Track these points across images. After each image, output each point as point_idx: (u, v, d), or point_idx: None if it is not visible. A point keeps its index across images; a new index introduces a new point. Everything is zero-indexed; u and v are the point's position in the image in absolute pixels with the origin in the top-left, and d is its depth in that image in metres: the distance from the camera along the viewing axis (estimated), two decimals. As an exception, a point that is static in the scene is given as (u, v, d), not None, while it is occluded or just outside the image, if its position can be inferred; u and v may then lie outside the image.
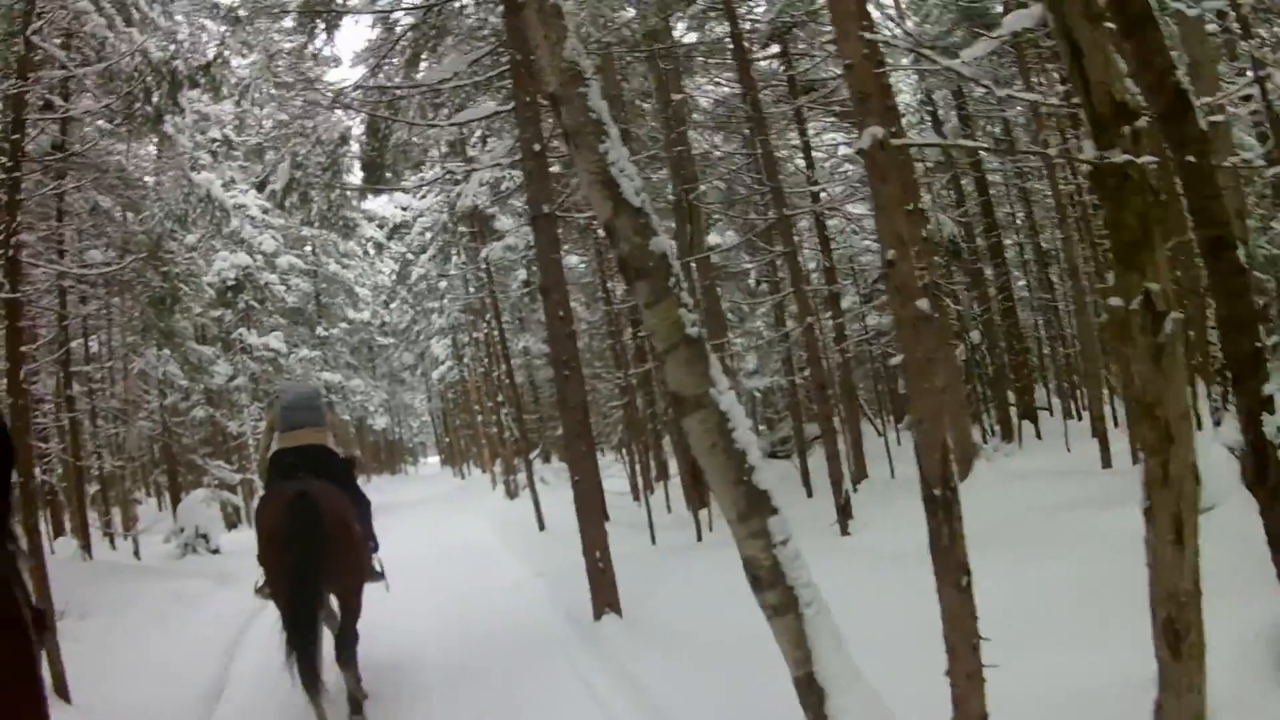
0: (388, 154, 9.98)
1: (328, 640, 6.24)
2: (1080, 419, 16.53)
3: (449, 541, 15.55)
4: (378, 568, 7.33)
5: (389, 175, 10.64)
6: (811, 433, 20.38)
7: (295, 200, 9.59)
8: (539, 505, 14.96)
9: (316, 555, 5.85)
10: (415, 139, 10.93)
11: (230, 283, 18.14)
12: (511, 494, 22.85)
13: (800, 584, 3.83)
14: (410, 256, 34.42)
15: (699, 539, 11.73)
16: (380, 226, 35.65)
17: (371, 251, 33.75)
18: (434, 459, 72.73)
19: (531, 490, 15.08)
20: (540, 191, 7.85)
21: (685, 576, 8.96)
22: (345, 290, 28.89)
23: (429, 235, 29.02)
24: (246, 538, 18.75)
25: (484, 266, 14.99)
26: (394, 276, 36.44)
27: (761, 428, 25.00)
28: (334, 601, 6.53)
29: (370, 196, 30.97)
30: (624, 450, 18.73)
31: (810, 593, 3.87)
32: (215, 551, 16.07)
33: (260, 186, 11.90)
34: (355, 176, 10.68)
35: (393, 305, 37.93)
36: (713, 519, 11.76)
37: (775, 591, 3.81)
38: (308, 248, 28.40)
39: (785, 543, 3.83)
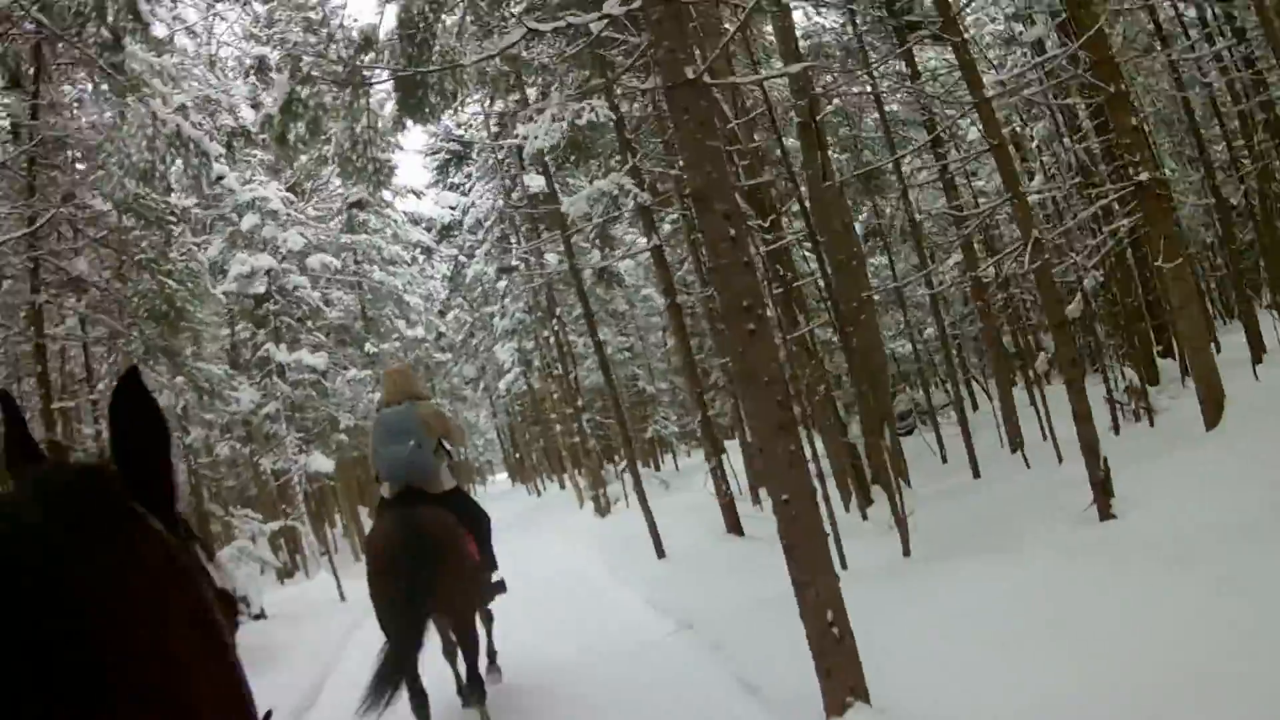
0: (429, 59, 7.04)
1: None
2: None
3: (543, 575, 12.57)
4: (499, 580, 7.28)
5: (433, 100, 7.66)
6: (936, 401, 17.39)
7: (302, 133, 6.68)
8: (655, 526, 11.86)
9: (424, 580, 5.70)
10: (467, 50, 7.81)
11: (252, 292, 15.31)
12: (602, 510, 19.84)
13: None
14: (463, 259, 31.68)
15: (906, 553, 8.43)
16: (428, 229, 32.92)
17: (420, 258, 30.90)
18: (502, 476, 71.75)
19: (644, 507, 11.99)
20: (675, 47, 4.81)
21: (937, 621, 5.85)
22: (394, 300, 26.02)
23: (481, 232, 26.19)
24: (300, 594, 16.10)
25: (563, 232, 12.12)
26: (446, 283, 33.70)
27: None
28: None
29: (404, 166, 28.35)
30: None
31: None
32: (259, 617, 13.26)
33: (258, 132, 8.94)
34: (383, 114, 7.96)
35: (448, 316, 35.19)
36: (905, 524, 8.55)
37: None
38: (346, 256, 25.69)
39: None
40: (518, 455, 46.37)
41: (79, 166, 10.73)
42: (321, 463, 14.39)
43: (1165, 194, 8.72)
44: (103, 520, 1.06)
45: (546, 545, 16.59)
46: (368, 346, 24.37)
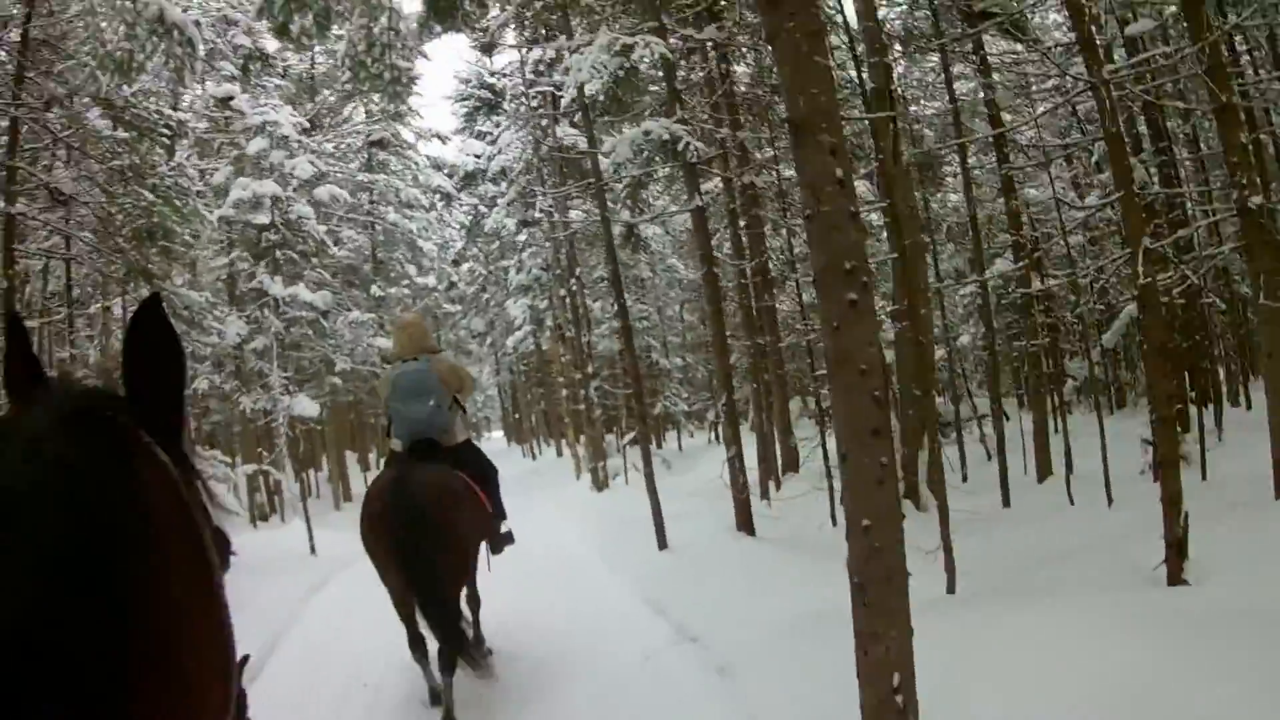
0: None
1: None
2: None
3: (533, 553, 11.49)
4: (506, 532, 7.40)
5: (468, 7, 6.62)
6: (963, 413, 16.40)
7: (309, 25, 5.66)
8: (660, 512, 10.83)
9: (411, 546, 5.71)
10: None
11: (253, 220, 14.16)
12: (600, 484, 18.89)
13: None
14: (483, 209, 30.64)
15: (950, 589, 7.35)
16: (449, 176, 31.86)
17: (439, 204, 29.84)
18: (498, 434, 71.24)
19: (650, 490, 10.90)
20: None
21: (1001, 685, 4.84)
22: (407, 244, 25.01)
23: (504, 183, 25.14)
24: (270, 541, 15.17)
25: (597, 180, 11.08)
26: (464, 233, 32.66)
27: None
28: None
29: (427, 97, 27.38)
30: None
31: None
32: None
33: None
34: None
35: (462, 267, 34.16)
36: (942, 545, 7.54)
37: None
38: (361, 195, 24.67)
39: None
40: (516, 416, 45.47)
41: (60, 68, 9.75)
42: (307, 406, 13.39)
43: (1271, 225, 7.69)
44: (113, 448, 1.06)
45: (539, 519, 15.57)
46: (374, 289, 23.37)
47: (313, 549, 14.03)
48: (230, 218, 13.94)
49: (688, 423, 24.25)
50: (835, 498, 10.99)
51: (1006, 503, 11.38)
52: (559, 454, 30.62)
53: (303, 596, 11.16)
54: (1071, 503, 10.49)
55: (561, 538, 13.44)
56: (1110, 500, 9.82)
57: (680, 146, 9.49)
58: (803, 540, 10.43)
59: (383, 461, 7.05)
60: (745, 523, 10.69)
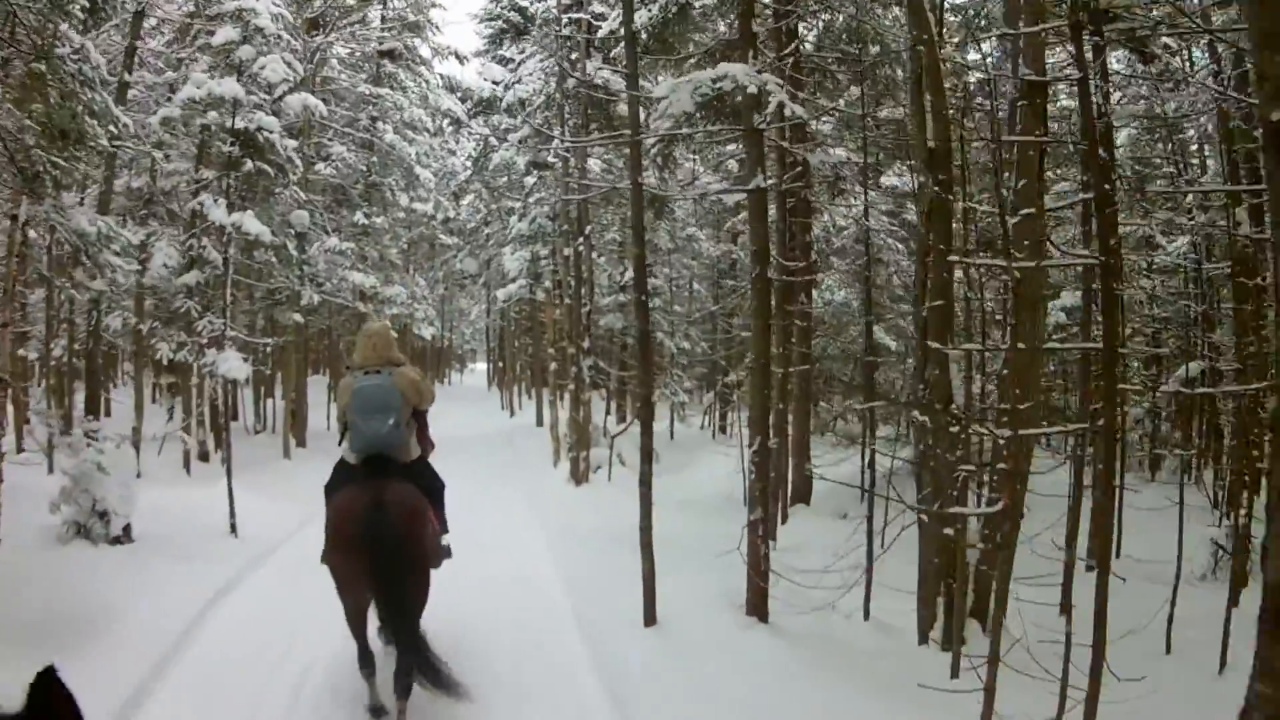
0: None
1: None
2: None
3: (480, 580, 9.09)
4: (445, 546, 7.02)
5: None
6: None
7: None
8: (653, 577, 8.44)
9: (385, 564, 5.84)
10: None
11: (204, 123, 11.62)
12: (580, 477, 16.60)
13: None
14: (494, 141, 28.07)
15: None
16: (463, 100, 29.20)
17: (447, 128, 27.13)
18: (481, 366, 70.64)
19: (645, 550, 8.52)
20: None
21: None
22: (403, 169, 22.44)
23: (520, 116, 22.58)
24: (188, 514, 12.91)
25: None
26: (470, 164, 30.04)
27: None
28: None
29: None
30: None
31: None
32: (119, 541, 10.10)
33: None
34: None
35: (464, 200, 31.67)
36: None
37: None
38: (363, 113, 22.08)
39: None
40: (500, 364, 43.12)
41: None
42: (234, 365, 10.82)
43: None
44: None
45: (500, 519, 13.32)
46: (358, 215, 20.91)
47: (233, 528, 11.73)
48: (174, 120, 11.45)
49: (683, 410, 21.79)
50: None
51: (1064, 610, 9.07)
52: (539, 422, 28.31)
53: (207, 599, 8.93)
54: (1167, 650, 8.16)
55: (519, 561, 10.99)
56: (1223, 664, 7.58)
57: (771, 104, 7.22)
58: (830, 638, 8.19)
59: (335, 466, 6.74)
60: (758, 605, 8.42)
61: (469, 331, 63.17)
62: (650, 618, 8.25)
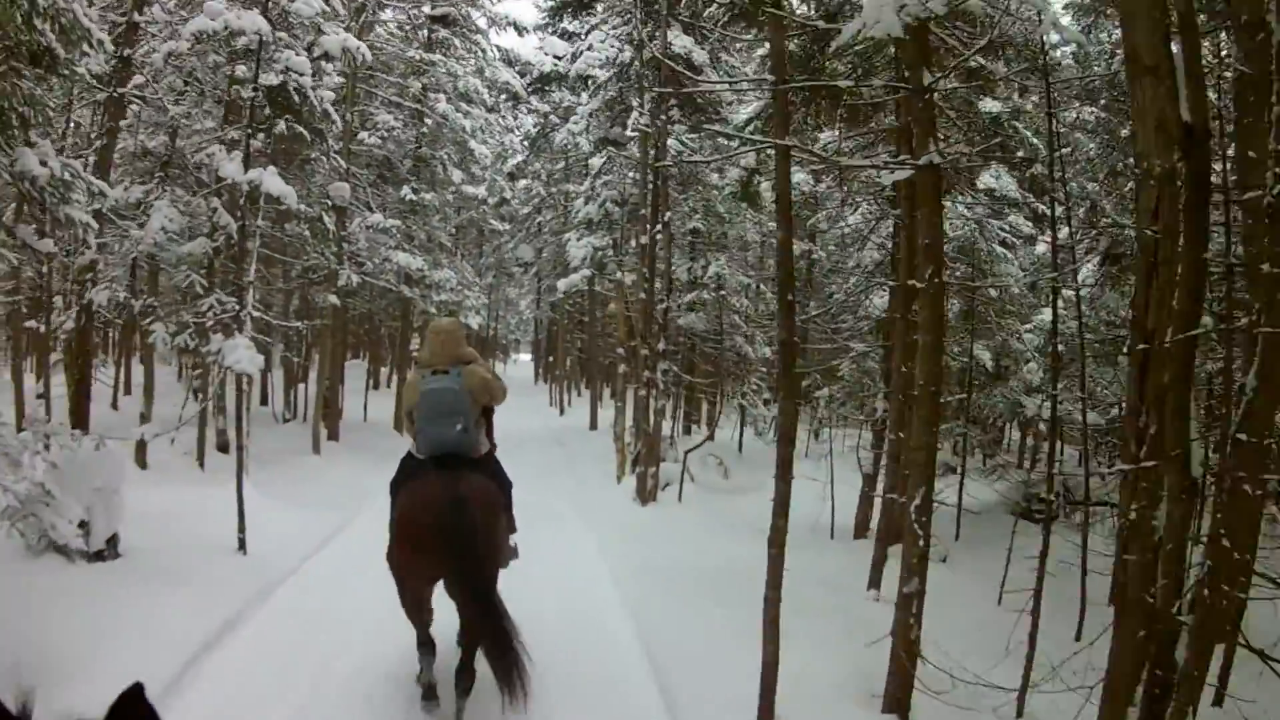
0: None
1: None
2: None
3: (528, 600, 7.17)
4: (513, 546, 6.84)
5: None
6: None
7: None
8: (773, 691, 6.31)
9: (468, 555, 5.63)
10: None
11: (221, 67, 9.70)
12: (646, 495, 14.59)
13: None
14: (555, 120, 26.15)
15: None
16: (521, 74, 27.27)
17: (503, 104, 25.17)
18: (525, 357, 68.95)
19: (769, 608, 6.40)
20: None
21: None
22: (456, 143, 20.56)
23: (585, 93, 20.64)
24: (188, 529, 11.07)
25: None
26: (527, 146, 28.09)
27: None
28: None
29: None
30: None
31: None
32: (102, 556, 8.28)
33: None
34: None
35: (519, 184, 29.76)
36: None
37: None
38: (414, 80, 20.18)
39: None
40: (550, 358, 41.22)
41: None
42: (244, 357, 8.73)
43: None
44: None
45: (554, 541, 11.34)
46: (405, 191, 19.03)
47: (242, 543, 9.88)
48: (183, 58, 9.58)
49: (766, 425, 19.53)
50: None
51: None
52: (592, 424, 26.33)
53: (201, 641, 7.13)
54: None
55: (581, 605, 8.91)
56: None
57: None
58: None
59: (402, 461, 6.43)
60: (901, 698, 6.39)
61: (514, 321, 61.83)
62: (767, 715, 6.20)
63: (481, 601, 5.63)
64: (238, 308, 9.21)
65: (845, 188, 12.54)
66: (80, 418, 10.38)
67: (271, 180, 8.97)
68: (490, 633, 5.56)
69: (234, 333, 8.72)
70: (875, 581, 10.48)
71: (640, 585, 9.72)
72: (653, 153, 14.82)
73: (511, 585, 6.10)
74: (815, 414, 15.79)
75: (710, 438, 15.51)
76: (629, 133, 16.86)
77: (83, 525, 8.17)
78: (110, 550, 8.48)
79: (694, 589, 9.34)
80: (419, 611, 6.03)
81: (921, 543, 6.34)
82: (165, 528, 9.93)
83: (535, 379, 48.32)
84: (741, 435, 19.92)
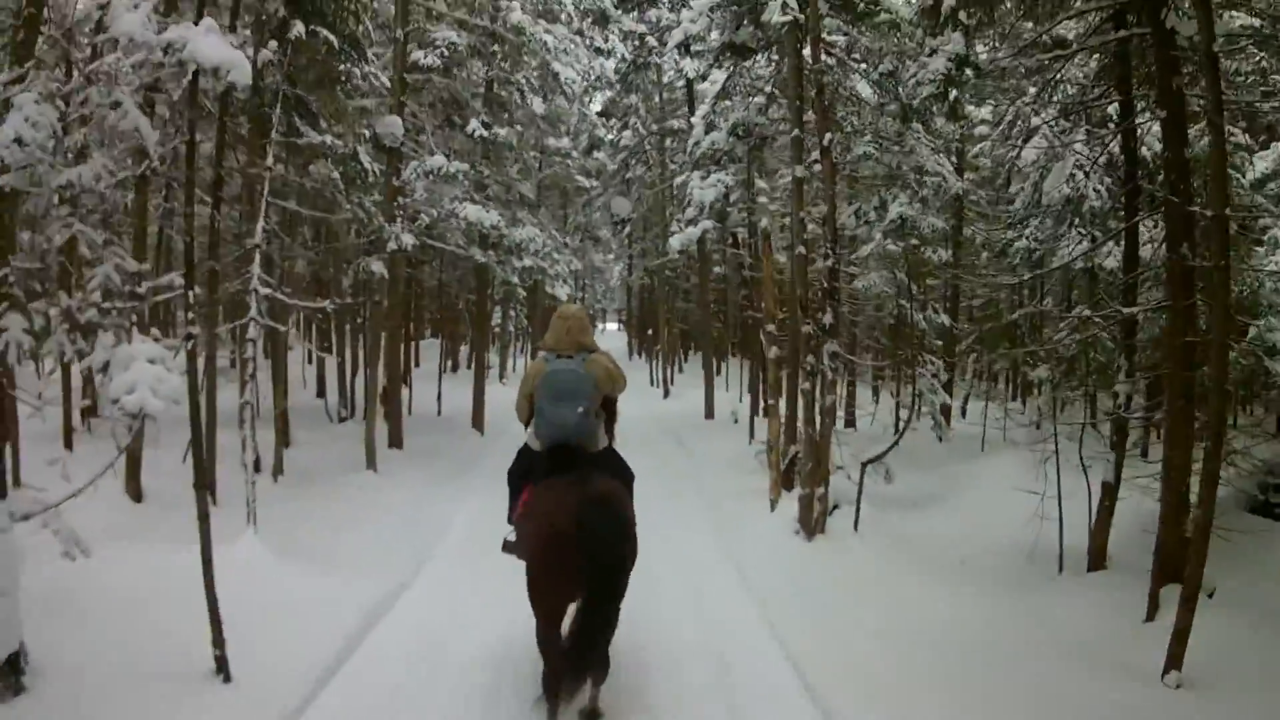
0: None
1: None
2: None
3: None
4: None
5: None
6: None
7: None
8: None
9: (611, 561, 5.49)
10: None
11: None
12: (812, 528, 10.44)
13: None
14: (652, 42, 21.94)
15: None
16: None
17: (587, 27, 20.81)
18: (613, 326, 67.51)
19: None
20: None
21: None
22: (539, 66, 16.50)
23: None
24: (185, 576, 7.27)
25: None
26: (617, 81, 23.86)
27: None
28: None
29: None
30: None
31: None
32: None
33: None
34: None
35: (613, 121, 25.61)
36: None
37: None
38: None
39: None
40: (650, 330, 37.14)
41: None
42: (145, 381, 4.59)
43: None
44: None
45: (689, 599, 8.02)
46: (473, 125, 15.04)
47: (221, 664, 6.03)
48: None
49: (932, 412, 15.25)
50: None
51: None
52: (708, 412, 22.28)
53: None
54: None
55: None
56: None
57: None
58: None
59: (518, 453, 6.27)
60: None
61: (600, 289, 58.26)
62: None
63: (604, 604, 5.45)
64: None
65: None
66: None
67: (204, 43, 4.95)
68: (602, 627, 5.47)
69: (129, 334, 4.75)
70: (1176, 659, 6.46)
71: (843, 684, 6.34)
72: (807, 52, 10.65)
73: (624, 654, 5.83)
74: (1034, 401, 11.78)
75: (896, 443, 11.38)
76: (765, 30, 12.39)
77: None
78: (11, 680, 5.34)
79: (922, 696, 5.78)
80: (551, 630, 5.51)
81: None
82: (110, 628, 6.37)
83: (629, 353, 44.50)
84: (904, 429, 15.73)
